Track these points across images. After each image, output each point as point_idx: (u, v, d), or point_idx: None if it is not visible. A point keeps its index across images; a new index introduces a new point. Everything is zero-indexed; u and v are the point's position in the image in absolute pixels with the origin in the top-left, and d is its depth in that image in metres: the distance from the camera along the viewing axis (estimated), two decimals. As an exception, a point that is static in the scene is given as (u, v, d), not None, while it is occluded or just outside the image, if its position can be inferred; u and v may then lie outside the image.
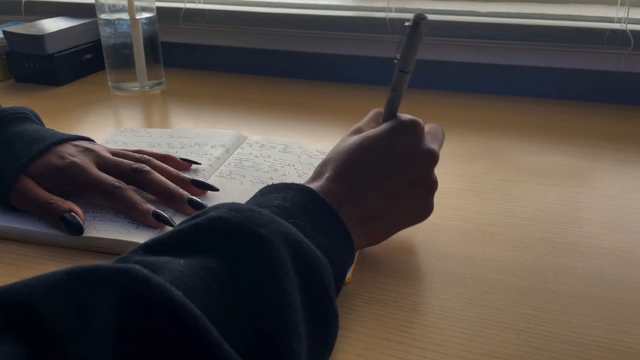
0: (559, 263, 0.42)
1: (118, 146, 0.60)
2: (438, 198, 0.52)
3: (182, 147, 0.59)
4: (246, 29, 0.92)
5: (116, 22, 0.79)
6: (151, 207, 0.44)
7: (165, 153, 0.53)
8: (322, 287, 0.30)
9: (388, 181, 0.39)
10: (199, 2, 0.95)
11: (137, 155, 0.50)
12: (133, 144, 0.61)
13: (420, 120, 0.41)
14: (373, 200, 0.38)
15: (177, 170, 0.50)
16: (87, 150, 0.48)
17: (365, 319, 0.36)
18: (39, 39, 0.83)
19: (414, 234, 0.46)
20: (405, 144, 0.40)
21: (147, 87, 0.83)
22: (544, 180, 0.56)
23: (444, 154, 0.61)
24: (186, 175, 0.50)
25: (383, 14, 0.86)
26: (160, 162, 0.50)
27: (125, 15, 0.79)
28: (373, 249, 0.44)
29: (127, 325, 0.22)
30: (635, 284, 0.40)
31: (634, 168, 0.59)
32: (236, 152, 0.59)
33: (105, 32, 0.80)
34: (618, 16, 0.79)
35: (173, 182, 0.48)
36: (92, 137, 0.53)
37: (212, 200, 0.49)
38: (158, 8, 0.88)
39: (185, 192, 0.47)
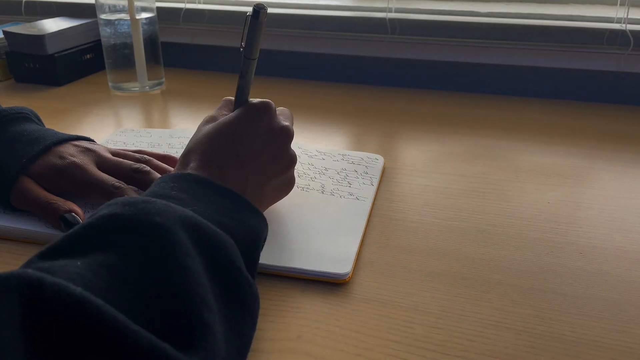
0: (559, 263, 0.42)
1: (118, 146, 0.60)
2: (438, 198, 0.52)
3: (182, 147, 0.59)
4: (246, 29, 0.92)
5: (116, 22, 0.79)
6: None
7: (166, 153, 0.53)
8: (227, 260, 0.31)
9: (251, 162, 0.41)
10: (199, 2, 0.95)
11: (137, 155, 0.50)
12: (133, 144, 0.61)
13: (271, 101, 0.43)
14: (241, 181, 0.40)
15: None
16: (87, 150, 0.48)
17: (365, 319, 0.36)
18: (39, 39, 0.83)
19: (413, 234, 0.46)
20: (261, 124, 0.42)
21: (147, 87, 0.83)
22: (544, 180, 0.56)
23: (444, 154, 0.62)
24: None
25: (383, 14, 0.86)
26: (160, 162, 0.50)
27: (125, 16, 0.79)
28: (373, 248, 0.44)
29: (32, 326, 0.22)
30: (635, 284, 0.40)
31: (634, 168, 0.59)
32: (236, 152, 0.59)
33: (105, 32, 0.80)
34: (618, 16, 0.79)
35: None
36: (92, 137, 0.53)
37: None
38: (158, 8, 0.88)
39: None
